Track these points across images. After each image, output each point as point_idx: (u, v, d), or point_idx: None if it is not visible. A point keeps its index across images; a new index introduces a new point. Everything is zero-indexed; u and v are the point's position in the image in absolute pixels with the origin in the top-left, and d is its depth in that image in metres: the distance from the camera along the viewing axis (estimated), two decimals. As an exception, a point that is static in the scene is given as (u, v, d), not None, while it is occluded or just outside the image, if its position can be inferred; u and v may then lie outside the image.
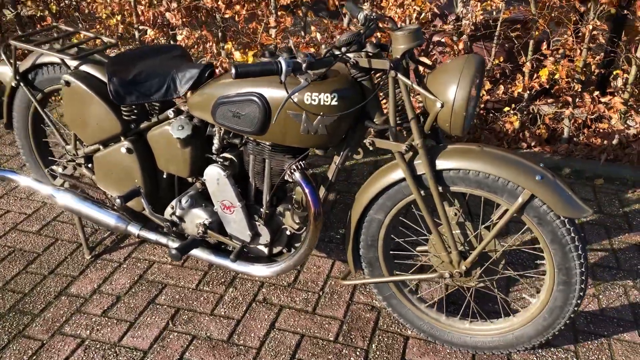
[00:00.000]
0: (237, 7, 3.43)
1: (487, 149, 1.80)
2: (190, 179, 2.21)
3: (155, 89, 2.04)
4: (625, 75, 3.32)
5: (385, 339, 2.15)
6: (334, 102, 1.78)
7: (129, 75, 2.03)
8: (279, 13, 3.59)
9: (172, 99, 2.06)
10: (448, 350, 2.12)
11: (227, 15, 3.52)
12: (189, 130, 2.02)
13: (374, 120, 1.89)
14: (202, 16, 3.74)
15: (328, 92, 1.77)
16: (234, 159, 2.10)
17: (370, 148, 1.89)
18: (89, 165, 2.40)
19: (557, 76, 3.21)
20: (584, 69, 3.26)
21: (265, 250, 2.18)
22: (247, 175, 2.11)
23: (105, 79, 2.16)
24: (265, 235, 2.13)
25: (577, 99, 3.35)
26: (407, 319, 2.15)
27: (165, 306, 2.29)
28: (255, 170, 2.06)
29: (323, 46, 1.85)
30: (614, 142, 3.35)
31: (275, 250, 2.20)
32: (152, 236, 2.24)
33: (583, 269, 1.80)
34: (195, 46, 3.68)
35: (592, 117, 3.36)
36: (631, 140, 3.33)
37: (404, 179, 1.88)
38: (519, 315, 2.00)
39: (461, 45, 3.34)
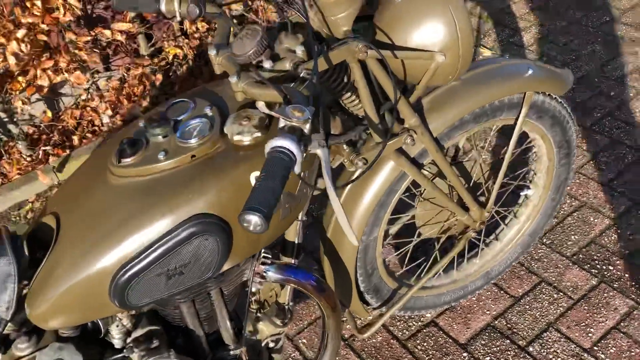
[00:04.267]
0: None
1: (464, 77, 1.37)
2: None
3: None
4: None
5: (425, 344, 1.73)
6: (311, 146, 1.08)
7: None
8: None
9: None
10: (474, 298, 1.83)
11: None
12: (77, 356, 1.05)
13: (332, 132, 1.25)
14: None
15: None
16: (157, 328, 1.21)
17: (358, 169, 1.27)
18: None
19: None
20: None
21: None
22: (180, 331, 1.27)
23: None
24: (255, 373, 1.38)
25: None
26: (429, 305, 1.75)
27: None
28: (205, 315, 1.24)
29: (240, 83, 1.03)
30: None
31: (258, 375, 1.47)
32: None
33: (575, 133, 1.64)
34: None
35: None
36: None
37: (397, 176, 1.36)
38: (523, 213, 1.78)
39: None
